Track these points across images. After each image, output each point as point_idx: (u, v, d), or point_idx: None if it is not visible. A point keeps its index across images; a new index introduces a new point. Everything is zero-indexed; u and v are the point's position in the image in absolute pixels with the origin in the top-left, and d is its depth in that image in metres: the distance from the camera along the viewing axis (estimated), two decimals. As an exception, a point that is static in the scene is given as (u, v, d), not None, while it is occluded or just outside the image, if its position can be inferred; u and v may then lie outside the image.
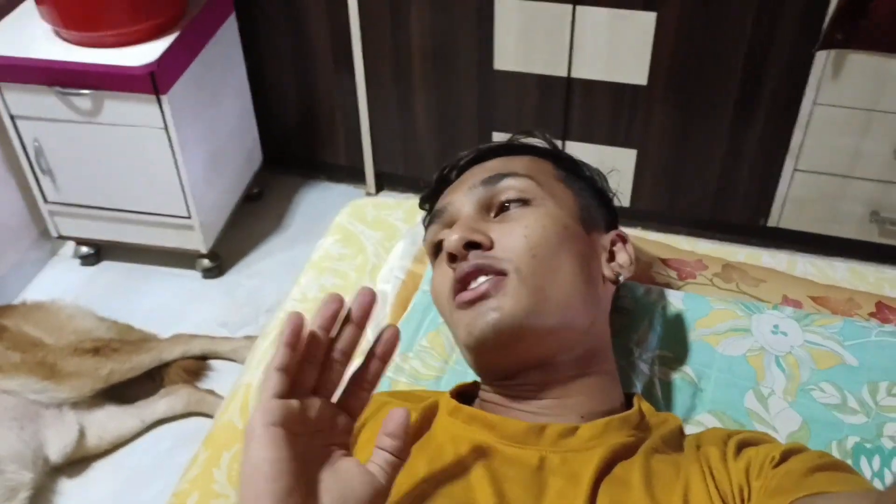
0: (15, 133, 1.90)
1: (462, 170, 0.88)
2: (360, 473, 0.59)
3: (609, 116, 2.02)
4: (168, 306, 2.05)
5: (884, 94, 1.78)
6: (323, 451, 0.60)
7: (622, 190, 2.12)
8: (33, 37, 1.81)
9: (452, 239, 0.76)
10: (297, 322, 0.58)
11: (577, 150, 0.95)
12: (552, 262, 0.75)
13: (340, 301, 0.61)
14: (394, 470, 0.61)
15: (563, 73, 1.96)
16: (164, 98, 1.78)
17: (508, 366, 0.77)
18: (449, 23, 1.98)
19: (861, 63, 1.75)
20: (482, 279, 0.74)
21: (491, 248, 0.76)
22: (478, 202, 0.81)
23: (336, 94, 2.23)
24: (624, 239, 0.87)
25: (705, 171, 2.05)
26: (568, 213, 0.81)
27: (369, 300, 0.63)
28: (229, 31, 2.07)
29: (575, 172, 0.89)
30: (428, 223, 0.87)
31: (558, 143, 0.95)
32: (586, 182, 0.89)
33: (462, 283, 0.75)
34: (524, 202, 0.79)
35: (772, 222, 2.07)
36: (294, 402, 0.58)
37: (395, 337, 0.64)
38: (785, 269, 1.13)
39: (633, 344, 0.95)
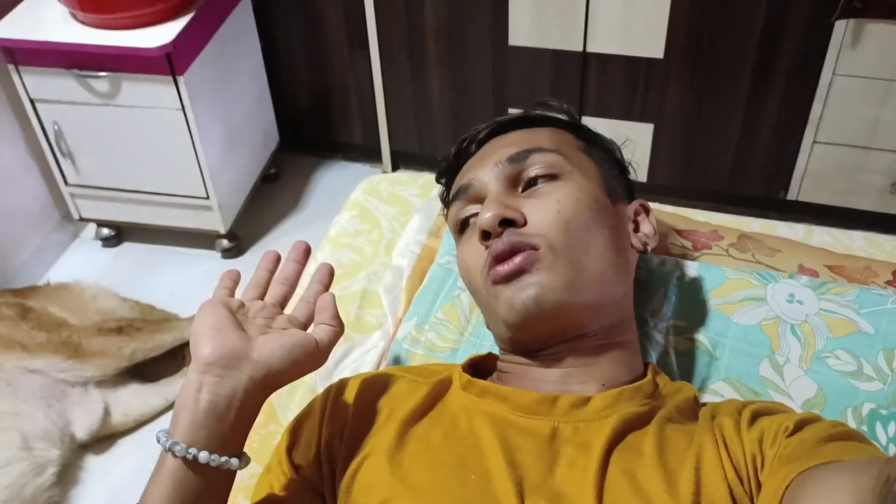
0: (35, 117, 1.93)
1: (481, 143, 0.88)
2: (296, 333, 0.73)
3: (625, 91, 2.01)
4: (188, 286, 2.07)
5: (904, 63, 1.76)
6: (262, 327, 0.73)
7: (639, 165, 2.11)
8: (51, 20, 1.82)
9: (487, 216, 0.75)
10: (235, 272, 0.83)
11: (593, 125, 0.94)
12: (586, 236, 0.76)
13: (277, 257, 0.86)
14: (331, 338, 0.74)
15: (579, 48, 1.95)
16: (180, 79, 1.79)
17: (545, 338, 0.77)
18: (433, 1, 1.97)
19: (880, 32, 1.73)
20: (520, 256, 0.74)
21: (524, 224, 0.76)
22: (505, 178, 0.80)
23: (351, 74, 2.23)
24: (647, 209, 0.87)
25: (722, 144, 2.04)
26: (596, 185, 0.81)
27: (304, 250, 0.87)
28: (244, 11, 2.08)
29: (594, 142, 0.89)
30: (451, 199, 0.86)
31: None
32: (605, 152, 0.88)
33: (497, 260, 0.75)
34: (553, 177, 0.79)
35: (790, 195, 2.05)
36: (234, 298, 0.76)
37: (329, 271, 0.85)
38: (801, 239, 1.12)
39: (647, 314, 0.95)
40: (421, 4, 2.01)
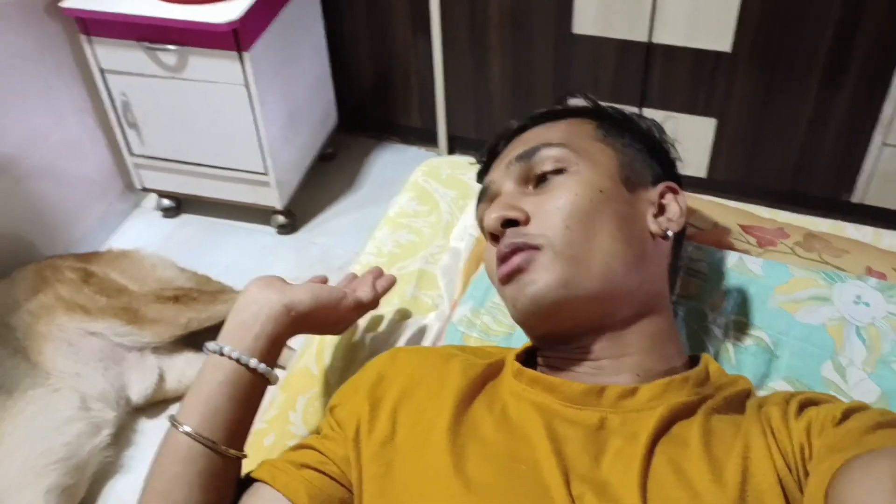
0: (104, 87, 1.97)
1: (509, 140, 0.89)
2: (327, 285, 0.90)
3: (689, 84, 1.97)
4: (243, 260, 2.11)
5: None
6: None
7: (699, 161, 2.08)
8: (123, -7, 1.86)
9: (490, 218, 0.78)
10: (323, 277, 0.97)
11: (654, 117, 0.93)
12: (587, 230, 0.75)
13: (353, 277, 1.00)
14: (361, 300, 0.92)
15: (644, 38, 1.92)
16: (245, 55, 1.82)
17: (558, 333, 0.78)
18: None
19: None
20: (519, 256, 0.75)
21: (527, 222, 0.77)
22: (517, 177, 0.82)
23: (412, 57, 2.23)
24: (675, 190, 0.84)
25: (787, 142, 2.00)
26: (605, 174, 0.80)
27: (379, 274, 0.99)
28: (309, -10, 2.09)
29: (621, 127, 0.87)
30: (478, 202, 0.88)
31: (634, 109, 0.93)
32: (633, 136, 0.86)
33: (502, 261, 0.77)
34: (559, 171, 0.79)
35: (856, 198, 2.00)
36: None
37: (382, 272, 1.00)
38: (870, 241, 1.10)
39: (707, 308, 0.94)
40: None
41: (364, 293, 0.92)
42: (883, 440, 0.61)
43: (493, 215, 0.78)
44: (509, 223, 0.78)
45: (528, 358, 0.83)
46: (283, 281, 0.86)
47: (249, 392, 0.80)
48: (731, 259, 0.97)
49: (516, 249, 0.76)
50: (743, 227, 1.05)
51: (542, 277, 0.74)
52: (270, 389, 0.83)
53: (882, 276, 0.98)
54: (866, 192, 1.97)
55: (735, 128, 2.01)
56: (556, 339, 0.79)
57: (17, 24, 1.83)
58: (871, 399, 0.85)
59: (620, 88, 2.03)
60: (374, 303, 0.94)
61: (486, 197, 0.86)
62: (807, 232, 1.06)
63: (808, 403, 0.71)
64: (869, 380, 0.86)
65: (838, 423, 0.66)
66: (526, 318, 0.77)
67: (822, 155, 1.98)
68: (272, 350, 0.82)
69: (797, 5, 1.77)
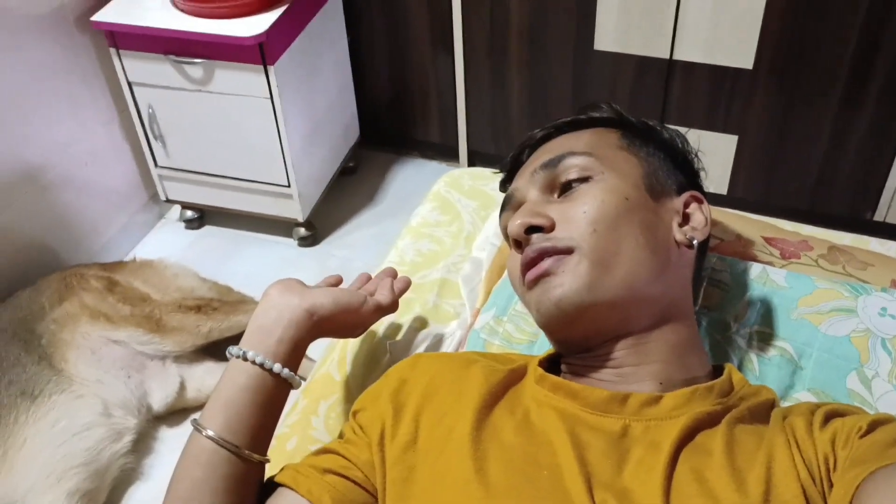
0: (131, 99, 2.01)
1: (533, 149, 0.89)
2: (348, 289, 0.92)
3: (709, 100, 1.98)
4: (264, 271, 2.12)
5: None
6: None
7: (720, 177, 2.08)
8: (151, 6, 1.90)
9: (515, 224, 0.78)
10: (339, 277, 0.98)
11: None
12: (613, 236, 0.76)
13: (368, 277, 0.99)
14: (380, 304, 0.92)
15: (664, 55, 1.93)
16: (271, 69, 1.84)
17: (580, 339, 0.78)
18: (548, 0, 1.98)
19: None
20: (547, 260, 0.76)
21: (552, 229, 0.77)
22: (541, 185, 0.82)
23: (432, 72, 2.25)
24: (699, 199, 0.85)
25: (808, 159, 1.99)
26: (631, 182, 0.80)
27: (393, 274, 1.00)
28: (334, 5, 2.12)
29: (644, 137, 0.87)
30: (501, 209, 0.89)
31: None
32: (657, 146, 0.87)
33: (528, 267, 0.77)
34: (584, 179, 0.80)
35: (878, 216, 1.99)
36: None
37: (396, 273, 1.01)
38: (895, 255, 1.09)
39: (730, 318, 0.94)
40: (507, 5, 2.02)
41: (383, 296, 0.93)
42: None
43: (518, 221, 0.78)
44: (534, 229, 0.78)
45: (550, 365, 0.83)
46: (303, 284, 0.87)
47: (272, 396, 0.80)
48: (755, 270, 0.97)
49: (543, 254, 0.76)
50: (766, 239, 1.05)
51: (569, 281, 0.74)
52: (292, 394, 0.84)
53: (907, 289, 0.98)
54: (888, 210, 1.96)
55: (755, 145, 2.01)
56: (578, 344, 0.79)
57: (47, 36, 1.86)
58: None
59: (639, 104, 2.03)
60: (393, 306, 0.94)
61: (510, 205, 0.86)
62: (830, 245, 1.05)
63: (833, 414, 0.70)
64: (894, 391, 0.85)
65: (864, 434, 0.65)
66: (549, 323, 0.77)
67: (843, 173, 1.98)
68: (294, 354, 0.82)
69: (819, 23, 1.78)
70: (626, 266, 0.75)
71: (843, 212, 2.03)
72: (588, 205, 0.77)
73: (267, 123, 1.94)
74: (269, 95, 1.89)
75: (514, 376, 0.80)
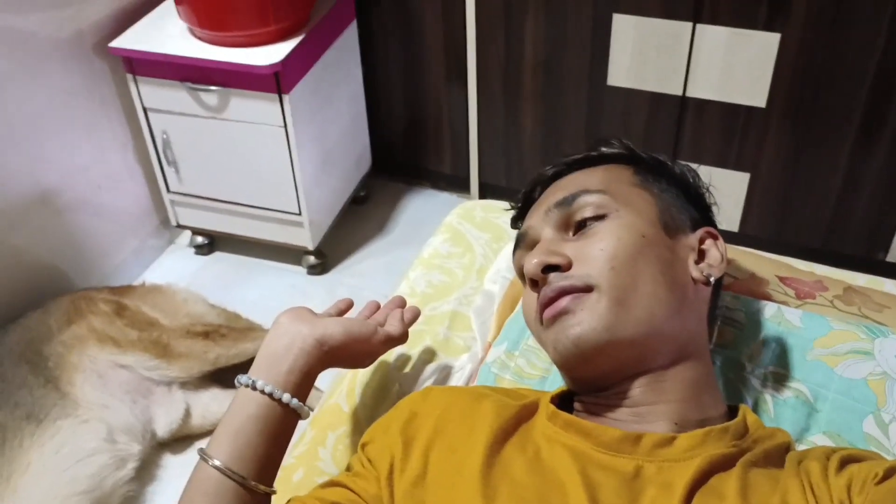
0: (146, 125, 2.02)
1: (545, 186, 0.89)
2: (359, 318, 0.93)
3: (722, 138, 1.98)
4: (273, 299, 2.12)
5: None
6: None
7: (731, 215, 2.07)
8: (170, 34, 1.92)
9: (532, 264, 0.78)
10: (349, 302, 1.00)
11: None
12: (631, 273, 0.75)
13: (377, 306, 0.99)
14: (391, 334, 0.92)
15: (678, 92, 1.94)
16: (285, 98, 1.86)
17: (598, 377, 0.77)
18: (564, 36, 1.99)
19: None
20: (565, 298, 0.75)
21: (569, 267, 0.77)
22: (556, 223, 0.82)
23: (445, 104, 2.27)
24: (714, 235, 0.84)
25: (821, 199, 1.99)
26: (646, 219, 0.80)
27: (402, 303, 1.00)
28: (350, 37, 2.15)
29: (657, 173, 0.87)
30: (514, 247, 0.88)
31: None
32: (669, 182, 0.86)
33: (546, 305, 0.77)
34: (600, 217, 0.79)
35: (891, 257, 1.97)
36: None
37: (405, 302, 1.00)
38: (910, 297, 1.08)
39: (744, 358, 0.93)
40: (522, 39, 2.04)
41: (393, 327, 0.92)
42: None
43: (535, 260, 0.78)
44: (550, 268, 0.78)
45: (562, 402, 0.82)
46: (313, 313, 0.87)
47: (280, 427, 0.80)
48: (769, 310, 0.96)
49: (562, 292, 0.75)
50: (780, 279, 1.05)
51: (588, 319, 0.74)
52: (300, 425, 0.83)
53: (924, 332, 0.96)
54: (858, 243, 1.95)
55: (767, 183, 2.01)
56: (594, 383, 0.78)
57: (66, 61, 1.89)
58: (913, 457, 0.83)
59: (652, 140, 2.04)
60: (403, 337, 0.93)
61: (524, 243, 0.86)
62: (846, 286, 1.04)
63: (849, 460, 0.69)
64: (911, 437, 0.84)
65: (880, 481, 0.64)
66: (568, 361, 0.76)
67: (856, 213, 1.97)
68: (304, 384, 0.82)
69: (833, 62, 1.78)
70: (644, 303, 0.74)
71: (855, 251, 2.02)
72: (605, 242, 0.77)
73: (280, 151, 1.95)
74: (283, 124, 1.90)
75: (526, 412, 0.80)
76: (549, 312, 0.76)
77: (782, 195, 2.02)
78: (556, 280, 0.76)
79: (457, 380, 1.04)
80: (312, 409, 0.99)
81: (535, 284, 0.79)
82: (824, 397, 0.88)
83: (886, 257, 1.98)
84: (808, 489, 0.66)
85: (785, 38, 1.78)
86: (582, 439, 0.73)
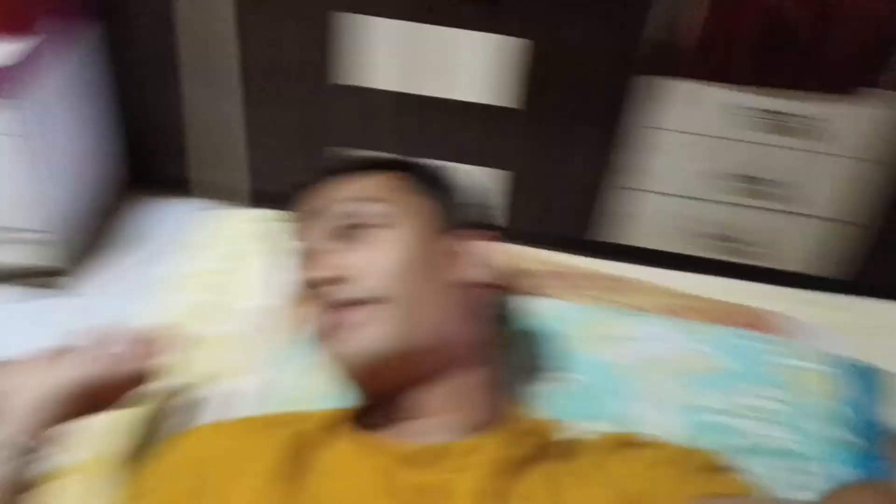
0: None
1: (322, 195, 0.85)
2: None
3: (479, 138, 2.06)
4: (13, 330, 1.88)
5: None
6: None
7: (498, 213, 2.16)
8: None
9: (314, 277, 0.76)
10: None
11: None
12: (416, 282, 0.76)
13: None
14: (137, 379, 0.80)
15: (428, 92, 1.98)
16: (18, 104, 1.67)
17: (388, 389, 0.77)
18: (294, 36, 1.97)
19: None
20: (351, 311, 0.74)
21: (353, 279, 0.75)
22: (336, 234, 0.79)
23: (209, 111, 2.15)
24: (485, 236, 0.85)
25: (568, 189, 2.14)
26: (426, 226, 0.80)
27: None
28: (92, 39, 1.98)
29: (429, 180, 0.87)
30: (294, 261, 0.84)
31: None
32: (441, 187, 0.87)
33: (331, 318, 0.75)
34: (380, 226, 0.78)
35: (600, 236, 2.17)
36: None
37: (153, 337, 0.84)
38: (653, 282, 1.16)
39: (517, 355, 0.95)
40: (280, 45, 1.99)
41: (140, 361, 0.80)
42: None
43: (317, 274, 0.75)
44: (332, 281, 0.75)
45: (352, 418, 0.79)
46: (38, 361, 0.76)
47: None
48: (538, 304, 1.00)
49: (346, 305, 0.74)
50: (546, 274, 1.09)
51: (374, 331, 0.73)
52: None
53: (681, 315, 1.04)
54: (608, 230, 2.15)
55: (525, 179, 2.12)
56: (383, 395, 0.77)
57: None
58: (682, 437, 0.88)
59: (406, 143, 2.07)
60: (152, 373, 0.82)
61: (304, 256, 0.81)
62: (608, 276, 1.11)
63: (628, 444, 0.74)
64: (676, 417, 0.90)
65: (662, 463, 0.70)
66: (356, 374, 0.75)
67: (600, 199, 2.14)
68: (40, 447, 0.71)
69: (572, 66, 1.92)
70: (429, 312, 0.75)
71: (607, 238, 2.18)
72: (387, 253, 0.76)
73: (14, 164, 1.75)
74: (18, 132, 1.71)
75: (313, 434, 0.75)
76: (335, 326, 0.74)
77: (538, 190, 2.14)
78: (340, 293, 0.74)
79: (235, 406, 0.96)
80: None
81: (318, 298, 0.76)
82: (598, 385, 0.92)
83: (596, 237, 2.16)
84: (592, 479, 0.69)
85: (526, 43, 1.87)
86: (375, 456, 0.72)
